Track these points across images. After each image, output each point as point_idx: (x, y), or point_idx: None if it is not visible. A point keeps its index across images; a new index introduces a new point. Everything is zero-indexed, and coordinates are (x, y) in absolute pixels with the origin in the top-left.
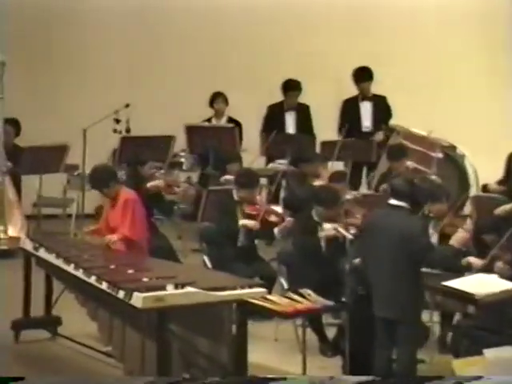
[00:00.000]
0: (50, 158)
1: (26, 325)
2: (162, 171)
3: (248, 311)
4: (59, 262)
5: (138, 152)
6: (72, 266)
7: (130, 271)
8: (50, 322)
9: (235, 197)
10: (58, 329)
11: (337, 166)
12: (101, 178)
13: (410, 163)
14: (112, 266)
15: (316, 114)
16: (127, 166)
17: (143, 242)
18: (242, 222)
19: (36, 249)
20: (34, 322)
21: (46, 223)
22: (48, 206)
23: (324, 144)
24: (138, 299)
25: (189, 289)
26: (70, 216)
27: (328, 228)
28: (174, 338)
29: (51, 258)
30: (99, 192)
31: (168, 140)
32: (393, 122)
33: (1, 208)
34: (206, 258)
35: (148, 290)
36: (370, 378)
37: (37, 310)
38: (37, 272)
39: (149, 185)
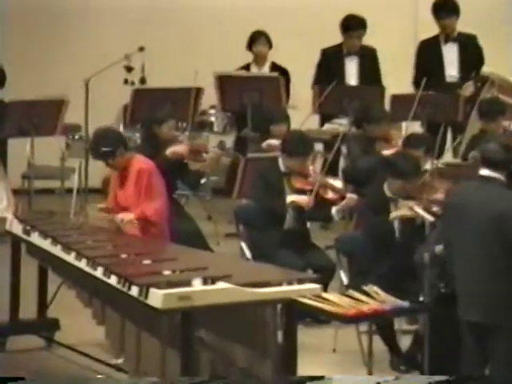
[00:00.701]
0: (43, 116)
1: (13, 330)
2: (187, 133)
3: (298, 314)
4: (56, 250)
5: (156, 108)
6: (73, 254)
7: (147, 262)
8: (45, 327)
9: (281, 167)
10: (55, 335)
11: (413, 127)
12: (104, 146)
13: (509, 123)
14: (123, 255)
15: (385, 59)
16: (141, 127)
17: (163, 225)
18: (291, 198)
19: (27, 232)
20: (25, 326)
21: (40, 200)
22: (42, 177)
23: (396, 98)
24: (156, 297)
25: (222, 284)
26: (69, 191)
27: (403, 206)
28: (203, 347)
29: (46, 244)
30: (105, 164)
31: (194, 93)
32: (486, 69)
33: None
34: (243, 245)
35: (170, 285)
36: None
37: (28, 311)
38: (28, 262)
39: (168, 151)
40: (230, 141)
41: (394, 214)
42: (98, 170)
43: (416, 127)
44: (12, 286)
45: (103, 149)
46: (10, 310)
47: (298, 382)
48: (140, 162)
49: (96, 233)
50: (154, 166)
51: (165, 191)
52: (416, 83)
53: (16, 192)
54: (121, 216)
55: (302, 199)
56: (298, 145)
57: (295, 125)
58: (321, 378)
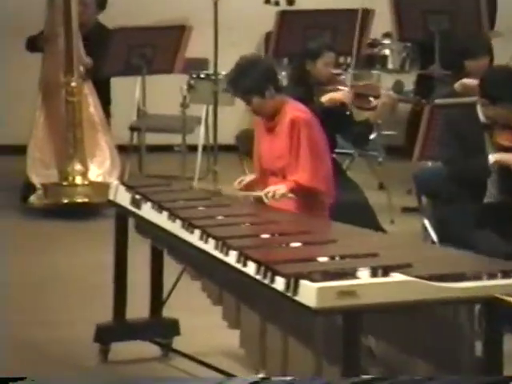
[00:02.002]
0: (157, 47)
1: (119, 334)
2: (350, 71)
3: (504, 318)
4: (175, 227)
5: (309, 37)
6: (197, 233)
7: (296, 244)
8: (160, 330)
9: (481, 117)
10: (174, 341)
11: None
12: (257, 79)
13: None
14: (265, 236)
15: None
16: (289, 63)
17: (327, 197)
18: (496, 157)
19: (136, 204)
20: (133, 329)
21: (154, 160)
22: (156, 130)
23: None
24: (309, 292)
25: (398, 276)
26: (193, 148)
27: None
28: (372, 359)
29: (162, 219)
30: (245, 103)
31: (360, 17)
32: None
33: (75, 133)
34: (427, 224)
35: (327, 276)
36: None
37: (137, 308)
38: (137, 243)
39: (325, 99)
40: (409, 81)
41: None
42: (231, 120)
43: None
44: (116, 274)
45: (249, 83)
46: (114, 307)
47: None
48: (294, 110)
49: (229, 205)
50: (313, 116)
51: (328, 150)
52: None
53: (122, 150)
54: (271, 189)
55: None
56: (505, 87)
57: (501, 59)
58: None
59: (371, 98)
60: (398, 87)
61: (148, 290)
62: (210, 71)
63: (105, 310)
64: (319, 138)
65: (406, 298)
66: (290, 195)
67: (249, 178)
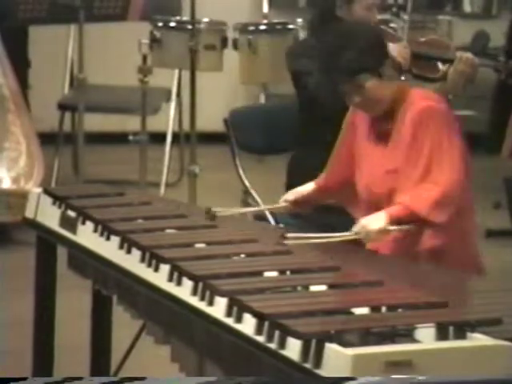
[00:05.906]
0: None
1: None
2: (405, 17)
3: None
4: (130, 261)
5: None
6: (165, 270)
7: (318, 288)
8: None
9: None
10: None
11: None
12: (369, 50)
13: None
14: (270, 274)
15: None
16: (308, 6)
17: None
18: None
19: (70, 225)
20: None
21: (97, 155)
22: (100, 109)
23: None
24: (339, 363)
25: (479, 339)
26: (157, 137)
27: None
28: None
29: (109, 248)
30: (346, 97)
31: None
32: None
33: None
34: None
35: (368, 338)
36: None
37: None
38: (70, 285)
39: None
40: (498, 33)
41: None
42: (217, 95)
43: None
44: (37, 337)
45: (357, 56)
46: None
47: None
48: (421, 95)
49: (214, 226)
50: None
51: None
52: None
53: (47, 140)
54: (361, 229)
55: None
56: None
57: None
58: None
59: (438, 62)
60: (479, 42)
61: (88, 358)
62: (186, 17)
63: None
64: (458, 140)
65: (494, 374)
66: (393, 228)
67: (302, 191)
